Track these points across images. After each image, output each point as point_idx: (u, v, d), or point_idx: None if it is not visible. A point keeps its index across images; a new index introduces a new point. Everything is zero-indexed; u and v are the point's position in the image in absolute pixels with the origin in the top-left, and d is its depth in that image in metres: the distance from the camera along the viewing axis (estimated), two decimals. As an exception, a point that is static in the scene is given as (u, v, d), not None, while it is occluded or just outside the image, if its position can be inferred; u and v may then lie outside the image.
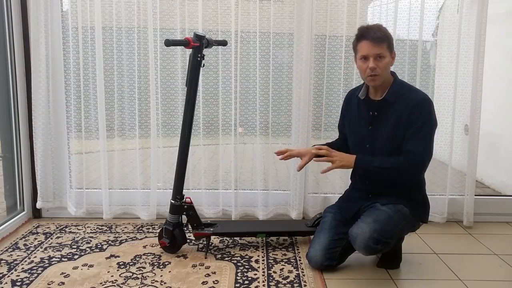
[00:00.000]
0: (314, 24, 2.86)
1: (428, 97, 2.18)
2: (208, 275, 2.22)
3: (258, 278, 2.19)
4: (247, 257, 2.43)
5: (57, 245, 2.57)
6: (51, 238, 2.66)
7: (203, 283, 2.13)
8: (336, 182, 3.00)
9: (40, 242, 2.61)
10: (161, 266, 2.31)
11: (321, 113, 2.95)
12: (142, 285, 2.11)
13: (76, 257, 2.41)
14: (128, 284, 2.12)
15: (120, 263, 2.34)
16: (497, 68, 3.97)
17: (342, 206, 2.38)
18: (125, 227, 2.85)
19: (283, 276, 2.21)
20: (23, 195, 2.96)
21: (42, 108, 2.82)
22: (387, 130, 2.17)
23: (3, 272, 2.23)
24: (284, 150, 2.37)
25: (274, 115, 2.95)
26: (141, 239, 2.67)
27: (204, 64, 2.40)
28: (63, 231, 2.78)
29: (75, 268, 2.28)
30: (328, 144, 2.39)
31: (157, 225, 2.88)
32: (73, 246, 2.55)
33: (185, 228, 2.51)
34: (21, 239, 2.65)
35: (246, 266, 2.31)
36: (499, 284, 2.21)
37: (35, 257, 2.41)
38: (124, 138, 2.96)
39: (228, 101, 2.93)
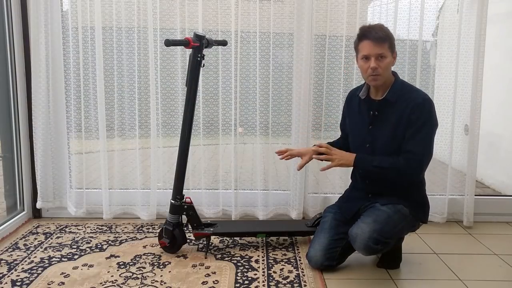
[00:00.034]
0: (314, 24, 2.86)
1: (429, 98, 2.18)
2: (208, 275, 2.22)
3: (258, 278, 2.19)
4: (247, 257, 2.43)
5: (57, 245, 2.57)
6: (51, 238, 2.66)
7: (203, 283, 2.13)
8: (336, 182, 3.00)
9: (40, 242, 2.61)
10: (161, 266, 2.31)
11: (321, 113, 2.95)
12: (142, 285, 2.11)
13: (76, 257, 2.41)
14: (128, 284, 2.12)
15: (120, 263, 2.34)
16: (497, 68, 3.97)
17: (342, 206, 2.38)
18: (125, 227, 2.85)
19: (283, 276, 2.21)
20: (23, 195, 2.96)
21: (42, 108, 2.82)
22: (387, 130, 2.17)
23: (3, 272, 2.23)
24: (284, 150, 2.38)
25: (274, 115, 2.96)
26: (141, 239, 2.67)
27: (204, 64, 2.40)
28: (63, 231, 2.78)
29: (75, 268, 2.28)
30: (329, 143, 2.40)
31: (157, 225, 2.88)
32: (73, 246, 2.55)
33: (185, 228, 2.51)
34: (21, 239, 2.65)
35: (246, 266, 2.31)
36: (499, 284, 2.21)
37: (35, 257, 2.41)
38: (124, 138, 2.96)
39: (228, 101, 2.93)
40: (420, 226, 2.31)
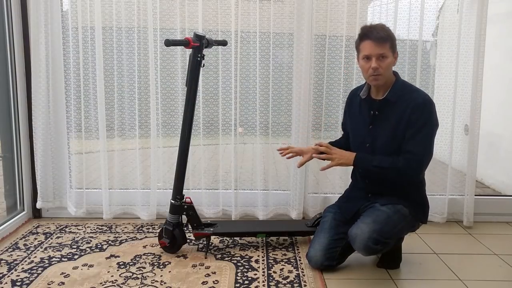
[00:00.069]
0: (314, 24, 2.86)
1: (430, 98, 2.18)
2: (208, 275, 2.22)
3: (258, 278, 2.19)
4: (247, 257, 2.43)
5: (57, 245, 2.57)
6: (51, 238, 2.66)
7: (203, 283, 2.13)
8: (336, 182, 3.00)
9: (40, 242, 2.61)
10: (161, 266, 2.31)
11: (321, 113, 2.95)
12: (142, 285, 2.11)
13: (76, 257, 2.41)
14: (128, 284, 2.12)
15: (120, 263, 2.34)
16: (497, 68, 3.97)
17: (342, 206, 2.38)
18: (125, 227, 2.85)
19: (283, 276, 2.21)
20: (23, 195, 2.96)
21: (42, 108, 2.82)
22: (387, 130, 2.17)
23: (3, 272, 2.23)
24: (285, 148, 2.38)
25: (274, 115, 2.96)
26: (141, 239, 2.67)
27: (204, 64, 2.40)
28: (63, 231, 2.78)
29: (75, 268, 2.28)
30: (330, 143, 2.40)
31: (157, 225, 2.88)
32: (73, 246, 2.55)
33: (185, 228, 2.51)
34: (21, 239, 2.65)
35: (246, 266, 2.31)
36: (499, 284, 2.21)
37: (35, 257, 2.41)
38: (124, 138, 2.96)
39: (228, 101, 2.93)
40: (420, 226, 2.31)
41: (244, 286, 2.11)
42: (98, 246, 2.55)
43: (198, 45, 2.33)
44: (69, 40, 2.82)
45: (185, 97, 2.42)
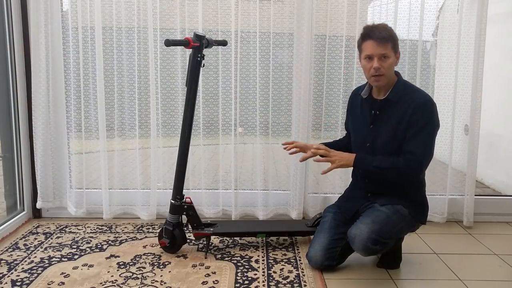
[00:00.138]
0: (314, 24, 2.86)
1: (431, 98, 2.18)
2: (208, 275, 2.22)
3: (258, 278, 2.19)
4: (247, 257, 2.43)
5: (57, 245, 2.57)
6: (51, 238, 2.66)
7: (203, 283, 2.13)
8: (336, 182, 3.00)
9: (40, 242, 2.61)
10: (161, 266, 2.31)
11: (321, 113, 2.95)
12: (142, 285, 2.11)
13: (76, 257, 2.41)
14: (128, 284, 2.12)
15: (120, 263, 2.34)
16: (497, 68, 3.97)
17: (341, 206, 2.38)
18: (125, 227, 2.85)
19: (283, 276, 2.21)
20: (23, 195, 2.96)
21: (42, 108, 2.82)
22: (388, 130, 2.17)
23: (3, 272, 2.23)
24: (291, 142, 2.40)
25: (274, 115, 2.96)
26: (141, 239, 2.67)
27: (204, 64, 2.40)
28: (63, 231, 2.78)
29: (75, 268, 2.28)
30: (332, 143, 2.40)
31: (157, 225, 2.88)
32: (73, 246, 2.55)
33: (185, 228, 2.51)
34: (21, 239, 2.65)
35: (246, 266, 2.31)
36: (499, 284, 2.21)
37: (35, 257, 2.40)
38: (124, 138, 2.96)
39: (228, 101, 2.93)
40: (419, 227, 2.31)
41: (244, 286, 2.11)
42: (98, 246, 2.55)
43: (198, 45, 2.33)
44: (69, 40, 2.82)
45: (185, 97, 2.42)
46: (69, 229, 2.82)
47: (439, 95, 2.96)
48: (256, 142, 2.96)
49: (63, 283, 2.12)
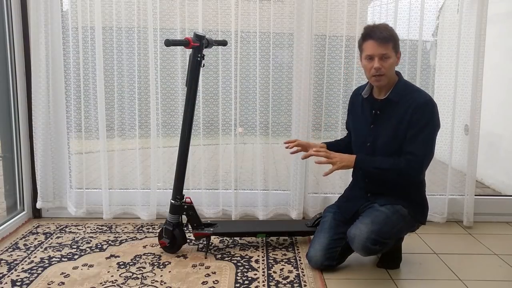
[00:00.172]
0: (314, 24, 2.86)
1: (431, 99, 2.17)
2: (208, 275, 2.22)
3: (258, 278, 2.19)
4: (247, 257, 2.43)
5: (57, 245, 2.57)
6: (51, 238, 2.66)
7: (203, 283, 2.13)
8: (336, 182, 3.00)
9: (40, 242, 2.61)
10: (161, 266, 2.31)
11: (321, 113, 2.95)
12: (142, 285, 2.11)
13: (76, 257, 2.41)
14: (128, 284, 2.12)
15: (120, 263, 2.34)
16: (497, 68, 3.97)
17: (341, 205, 2.38)
18: (125, 227, 2.85)
19: (283, 276, 2.21)
20: (23, 195, 2.96)
21: (42, 108, 2.82)
22: (388, 130, 2.17)
23: (3, 272, 2.23)
24: (293, 140, 2.40)
25: (274, 115, 2.96)
26: (141, 239, 2.67)
27: (204, 64, 2.40)
28: (63, 231, 2.78)
29: (75, 268, 2.28)
30: (333, 142, 2.40)
31: (157, 225, 2.88)
32: (73, 246, 2.55)
33: (185, 228, 2.51)
34: (21, 239, 2.65)
35: (246, 266, 2.31)
36: (499, 284, 2.21)
37: (35, 257, 2.40)
38: (124, 138, 2.96)
39: (228, 101, 2.93)
40: (419, 227, 2.31)
41: (244, 286, 2.11)
42: (98, 246, 2.55)
43: (198, 45, 2.33)
44: (69, 40, 2.82)
45: (185, 97, 2.42)
46: (69, 229, 2.82)
47: (439, 95, 2.96)
48: (256, 142, 2.96)
49: (63, 283, 2.12)
